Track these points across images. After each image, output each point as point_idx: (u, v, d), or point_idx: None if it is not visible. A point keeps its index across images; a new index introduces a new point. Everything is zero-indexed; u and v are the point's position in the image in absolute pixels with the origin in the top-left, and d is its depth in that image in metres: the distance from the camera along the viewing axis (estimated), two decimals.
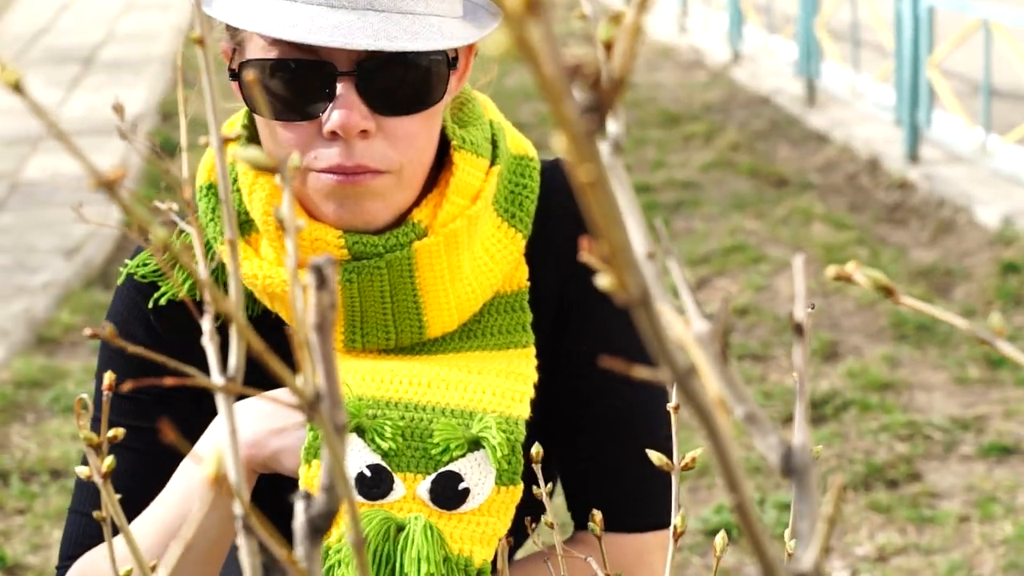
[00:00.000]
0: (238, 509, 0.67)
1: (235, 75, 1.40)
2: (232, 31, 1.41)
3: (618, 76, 0.50)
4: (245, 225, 1.45)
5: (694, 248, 5.42)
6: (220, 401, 0.75)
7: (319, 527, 0.63)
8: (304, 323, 0.60)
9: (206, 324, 0.75)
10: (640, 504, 1.49)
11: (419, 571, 1.30)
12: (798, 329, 0.68)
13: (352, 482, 1.38)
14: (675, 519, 1.17)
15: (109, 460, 0.97)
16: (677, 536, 1.19)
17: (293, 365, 1.24)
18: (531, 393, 1.38)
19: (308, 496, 0.62)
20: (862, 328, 4.65)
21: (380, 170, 1.33)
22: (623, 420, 1.49)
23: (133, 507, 1.40)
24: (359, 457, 1.35)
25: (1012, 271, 5.06)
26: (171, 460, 1.42)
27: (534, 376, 1.40)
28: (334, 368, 0.60)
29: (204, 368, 1.00)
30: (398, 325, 1.41)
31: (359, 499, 1.35)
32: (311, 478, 1.33)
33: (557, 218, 1.47)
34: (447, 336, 1.44)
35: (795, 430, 0.63)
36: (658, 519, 1.47)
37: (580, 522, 1.49)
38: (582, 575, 1.38)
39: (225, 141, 0.77)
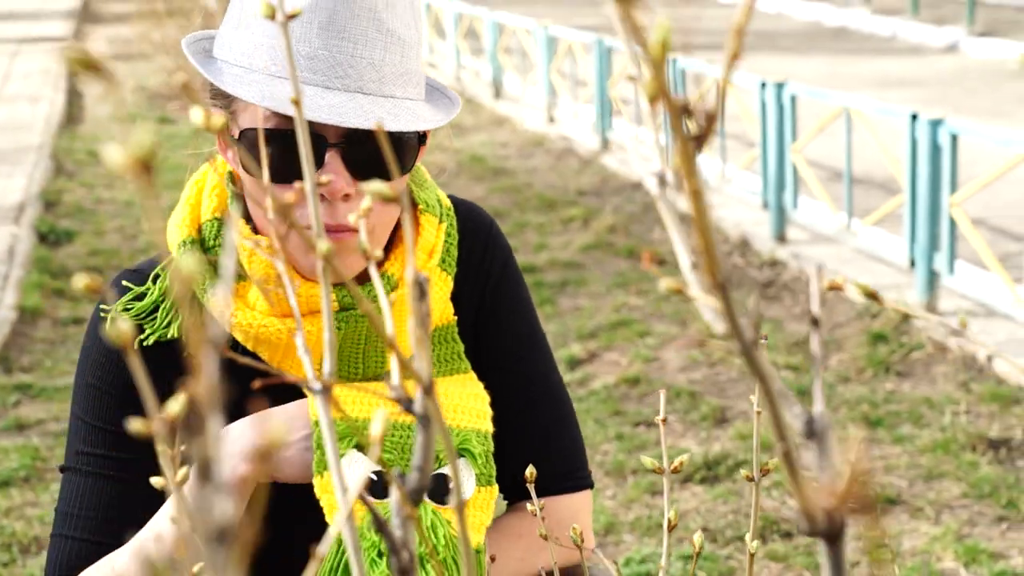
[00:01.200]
0: (343, 505, 0.84)
1: (234, 141, 1.60)
2: (224, 102, 1.60)
3: (712, 113, 0.72)
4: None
5: (582, 324, 5.66)
6: (318, 402, 0.92)
7: (414, 500, 0.81)
8: (414, 330, 0.78)
9: (299, 339, 0.93)
10: (569, 470, 1.77)
11: (438, 536, 1.56)
12: (815, 322, 0.89)
13: (362, 487, 1.60)
14: (668, 513, 1.39)
15: (183, 471, 1.14)
16: (671, 527, 1.40)
17: (268, 394, 1.48)
18: (490, 412, 1.64)
19: (402, 474, 0.81)
20: (747, 394, 4.92)
21: (358, 229, 1.55)
22: (542, 403, 1.77)
23: (121, 530, 1.59)
24: (365, 466, 1.59)
25: (880, 340, 5.39)
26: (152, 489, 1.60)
27: (487, 396, 1.65)
28: (429, 365, 0.79)
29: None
30: (366, 361, 1.64)
31: (371, 499, 1.56)
32: (324, 486, 1.55)
33: (466, 256, 1.73)
34: None
35: (814, 403, 0.83)
36: (584, 481, 1.77)
37: (510, 494, 1.76)
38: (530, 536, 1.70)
39: (318, 183, 0.96)
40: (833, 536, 0.81)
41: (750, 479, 1.52)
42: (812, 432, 0.80)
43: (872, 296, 1.01)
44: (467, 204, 1.79)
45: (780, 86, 6.92)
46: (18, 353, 5.42)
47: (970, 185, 5.81)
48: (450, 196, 1.80)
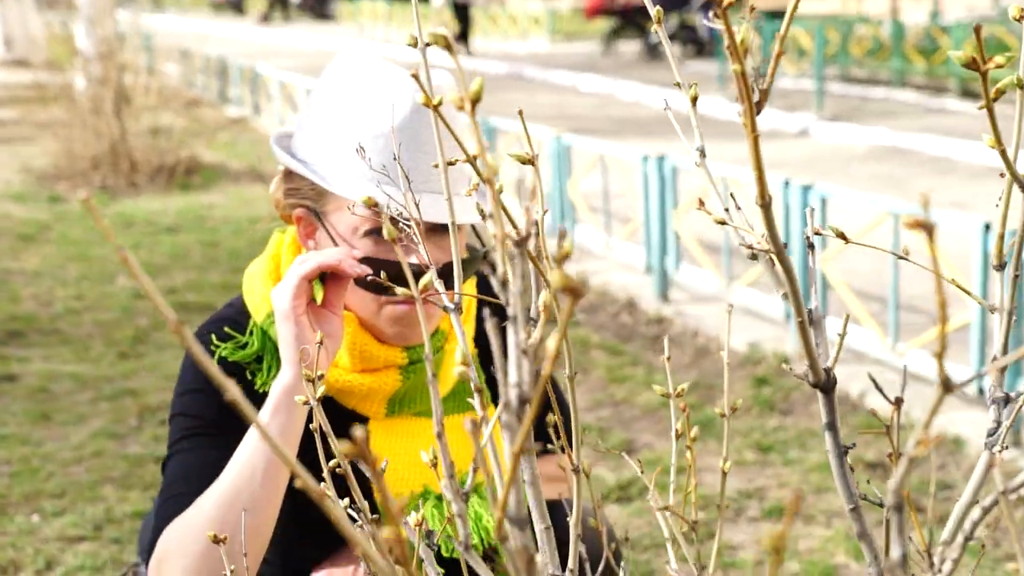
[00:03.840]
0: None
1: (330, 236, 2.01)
2: (315, 199, 2.01)
3: (765, 88, 1.20)
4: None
5: None
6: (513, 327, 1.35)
7: (525, 399, 1.27)
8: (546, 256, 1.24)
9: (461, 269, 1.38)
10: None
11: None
12: (810, 246, 1.38)
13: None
14: (691, 433, 1.85)
15: (322, 389, 1.54)
16: (691, 441, 1.86)
17: (345, 433, 2.05)
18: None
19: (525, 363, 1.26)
20: (650, 428, 5.43)
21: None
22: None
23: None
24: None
25: (763, 384, 5.95)
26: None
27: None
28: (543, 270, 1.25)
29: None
30: (424, 400, 2.10)
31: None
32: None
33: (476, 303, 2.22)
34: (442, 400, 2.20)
35: (812, 301, 1.32)
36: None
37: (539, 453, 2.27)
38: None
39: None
40: (828, 389, 1.28)
41: (723, 416, 2.01)
42: (811, 320, 1.30)
43: (842, 236, 1.50)
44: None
45: (661, 159, 7.51)
46: None
47: (837, 244, 6.43)
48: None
